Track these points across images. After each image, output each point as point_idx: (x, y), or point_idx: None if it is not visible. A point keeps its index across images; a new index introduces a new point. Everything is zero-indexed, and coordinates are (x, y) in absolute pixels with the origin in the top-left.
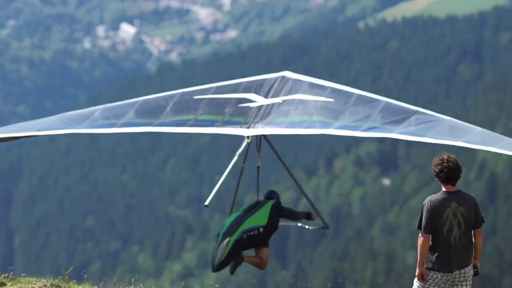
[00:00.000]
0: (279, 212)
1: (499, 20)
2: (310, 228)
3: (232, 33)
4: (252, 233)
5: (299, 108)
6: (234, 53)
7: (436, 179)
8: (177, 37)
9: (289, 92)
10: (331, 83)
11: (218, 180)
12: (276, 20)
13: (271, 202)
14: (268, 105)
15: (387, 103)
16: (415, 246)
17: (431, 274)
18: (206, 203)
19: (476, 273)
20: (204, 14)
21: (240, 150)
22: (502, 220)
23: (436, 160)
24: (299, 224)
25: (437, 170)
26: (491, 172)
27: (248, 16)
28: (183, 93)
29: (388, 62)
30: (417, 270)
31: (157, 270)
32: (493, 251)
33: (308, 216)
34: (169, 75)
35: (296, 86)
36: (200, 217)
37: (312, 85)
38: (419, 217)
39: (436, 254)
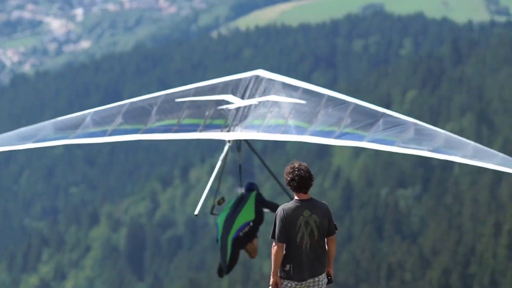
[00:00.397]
0: (261, 203)
1: (351, 28)
2: None
3: (85, 44)
4: (246, 229)
5: (273, 110)
6: (88, 64)
7: (288, 187)
8: (30, 49)
9: (264, 93)
10: (301, 82)
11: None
12: (129, 30)
13: (253, 195)
14: (245, 106)
15: (356, 105)
16: (271, 255)
17: (285, 283)
18: (196, 212)
19: (329, 281)
20: (56, 25)
21: (223, 154)
22: (357, 228)
23: (287, 169)
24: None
25: (288, 178)
26: (346, 180)
27: (101, 26)
28: (166, 95)
29: (242, 71)
30: (271, 279)
31: (13, 282)
32: (349, 259)
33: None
34: (22, 86)
35: (270, 86)
36: (55, 229)
37: (284, 85)
38: (272, 226)
39: (289, 263)
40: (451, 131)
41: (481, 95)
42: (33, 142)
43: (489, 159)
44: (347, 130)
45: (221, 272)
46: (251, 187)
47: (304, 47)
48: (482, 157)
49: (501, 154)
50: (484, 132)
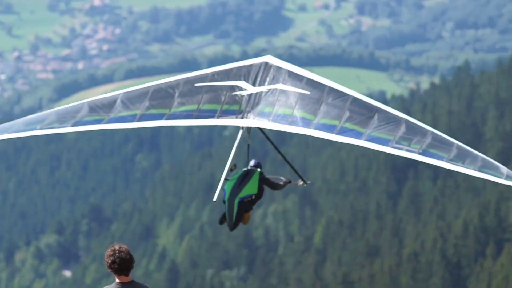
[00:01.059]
0: (264, 180)
1: None
2: (295, 184)
3: None
4: (248, 199)
5: (281, 99)
6: None
7: (109, 270)
8: None
9: (272, 81)
10: (305, 71)
11: None
12: None
13: (257, 172)
14: (256, 93)
15: (354, 98)
16: None
17: None
18: (214, 198)
19: None
20: None
21: (237, 140)
22: None
23: (108, 251)
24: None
25: (109, 261)
26: (172, 261)
27: None
28: (186, 79)
29: (65, 153)
30: None
31: None
32: None
33: (288, 182)
34: None
35: (277, 75)
36: None
37: (290, 74)
38: None
39: None
40: (274, 212)
41: (304, 175)
42: (72, 125)
43: (474, 164)
44: (347, 125)
45: (223, 221)
46: (256, 165)
47: (128, 129)
48: (466, 161)
49: (482, 156)
50: (308, 212)
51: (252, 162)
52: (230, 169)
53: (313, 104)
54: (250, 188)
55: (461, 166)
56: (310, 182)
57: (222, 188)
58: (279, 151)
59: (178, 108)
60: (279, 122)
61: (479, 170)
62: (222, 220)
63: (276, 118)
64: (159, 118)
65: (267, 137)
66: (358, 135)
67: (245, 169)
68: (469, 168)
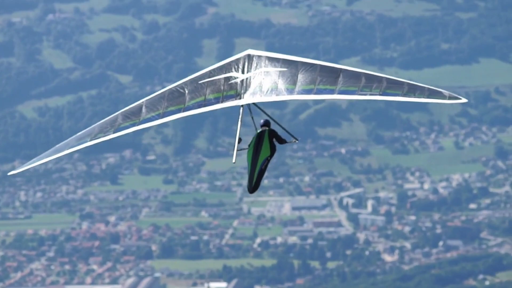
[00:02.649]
0: (274, 136)
1: None
2: (290, 142)
3: None
4: (265, 164)
5: (266, 79)
6: None
7: None
8: None
9: (256, 67)
10: (279, 54)
11: None
12: None
13: (266, 133)
14: (246, 78)
15: (321, 65)
16: None
17: None
18: (234, 161)
19: None
20: None
21: (240, 116)
22: None
23: None
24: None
25: None
26: None
27: None
28: (191, 79)
29: None
30: None
31: None
32: None
33: (286, 140)
34: None
35: (259, 61)
36: None
37: (269, 58)
38: None
39: None
40: None
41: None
42: (113, 132)
43: (422, 93)
44: (320, 86)
45: (250, 189)
46: (264, 123)
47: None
48: (416, 92)
49: (427, 86)
50: None
51: (261, 122)
52: (238, 142)
53: (291, 77)
54: (264, 152)
55: (414, 97)
56: (300, 138)
57: (238, 155)
58: (272, 119)
59: (190, 102)
60: (269, 95)
61: (428, 97)
62: (249, 190)
63: (266, 93)
64: (178, 112)
65: (261, 109)
66: (331, 92)
67: (258, 131)
68: (420, 97)
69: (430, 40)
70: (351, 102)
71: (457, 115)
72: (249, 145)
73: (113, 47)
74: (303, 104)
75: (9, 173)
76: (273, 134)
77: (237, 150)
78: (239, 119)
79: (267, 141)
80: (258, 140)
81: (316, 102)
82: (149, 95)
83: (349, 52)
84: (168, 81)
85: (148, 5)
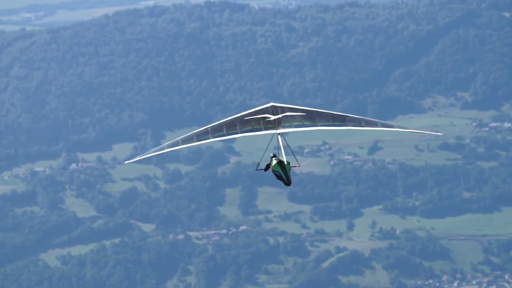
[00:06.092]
0: (280, 163)
1: None
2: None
3: None
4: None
5: (292, 118)
6: None
7: None
8: None
9: (282, 111)
10: (295, 106)
11: None
12: None
13: (282, 161)
14: (277, 118)
15: (332, 113)
16: None
17: None
18: (256, 168)
19: None
20: None
21: (279, 142)
22: None
23: None
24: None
25: None
26: None
27: None
28: (239, 116)
29: None
30: None
31: None
32: None
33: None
34: None
35: (283, 108)
36: None
37: (290, 108)
38: None
39: None
40: None
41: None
42: (197, 141)
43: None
44: (329, 123)
45: (268, 167)
46: (274, 155)
47: None
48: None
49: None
50: None
51: (271, 155)
52: (258, 163)
53: (310, 118)
54: (287, 167)
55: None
56: (304, 163)
57: (274, 170)
58: (288, 146)
59: (242, 129)
60: (298, 127)
61: (398, 128)
62: (266, 168)
63: (294, 126)
64: (235, 134)
65: (285, 140)
66: (339, 126)
67: (278, 160)
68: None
69: (452, 189)
70: (373, 250)
71: (479, 263)
72: (268, 166)
73: (136, 196)
74: (326, 252)
75: (125, 162)
76: (281, 162)
77: (264, 170)
78: (280, 144)
79: (283, 164)
80: (281, 162)
81: (339, 250)
82: (172, 244)
83: (371, 201)
84: (191, 230)
85: (170, 154)
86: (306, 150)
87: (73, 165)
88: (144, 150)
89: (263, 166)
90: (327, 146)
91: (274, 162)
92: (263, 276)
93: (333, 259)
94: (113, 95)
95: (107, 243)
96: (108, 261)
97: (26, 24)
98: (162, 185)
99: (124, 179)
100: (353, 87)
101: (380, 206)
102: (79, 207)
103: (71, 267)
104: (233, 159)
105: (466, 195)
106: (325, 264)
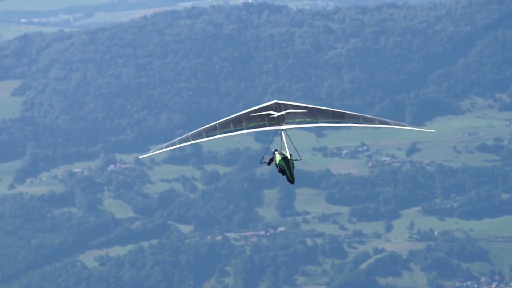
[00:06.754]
0: (284, 158)
1: None
2: (299, 160)
3: None
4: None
5: (294, 115)
6: None
7: None
8: None
9: (285, 108)
10: (297, 103)
11: None
12: None
13: (286, 156)
14: (280, 114)
15: (332, 110)
16: None
17: None
18: (260, 162)
19: None
20: None
21: (283, 138)
22: None
23: None
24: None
25: None
26: None
27: None
28: (245, 113)
29: None
30: None
31: None
32: None
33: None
34: None
35: (286, 105)
36: None
37: (293, 105)
38: None
39: None
40: None
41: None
42: (206, 137)
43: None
44: (330, 119)
45: (271, 161)
46: (276, 150)
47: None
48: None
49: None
50: None
51: (273, 150)
52: (262, 157)
53: (312, 115)
54: (291, 163)
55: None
56: (305, 157)
57: (279, 164)
58: (291, 141)
59: (247, 125)
60: (299, 124)
61: (394, 125)
62: (269, 162)
63: (296, 123)
64: (241, 130)
65: (287, 136)
66: (338, 122)
67: (283, 156)
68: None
69: (490, 190)
70: (411, 251)
71: None
72: (271, 160)
73: (174, 197)
74: (364, 254)
75: (140, 156)
76: (285, 157)
77: (268, 163)
78: (283, 139)
79: (287, 158)
80: (285, 157)
81: (377, 252)
82: (210, 245)
83: (409, 202)
84: (229, 231)
85: (208, 155)
86: (344, 152)
87: (111, 166)
88: (181, 151)
89: (267, 160)
90: (365, 147)
91: (279, 156)
92: (301, 278)
93: (371, 260)
94: (151, 96)
95: (145, 244)
96: (146, 262)
97: (64, 25)
98: (200, 186)
99: (162, 180)
100: (391, 88)
101: (418, 208)
102: (117, 208)
103: (109, 268)
104: None
105: (505, 196)
106: (363, 266)
